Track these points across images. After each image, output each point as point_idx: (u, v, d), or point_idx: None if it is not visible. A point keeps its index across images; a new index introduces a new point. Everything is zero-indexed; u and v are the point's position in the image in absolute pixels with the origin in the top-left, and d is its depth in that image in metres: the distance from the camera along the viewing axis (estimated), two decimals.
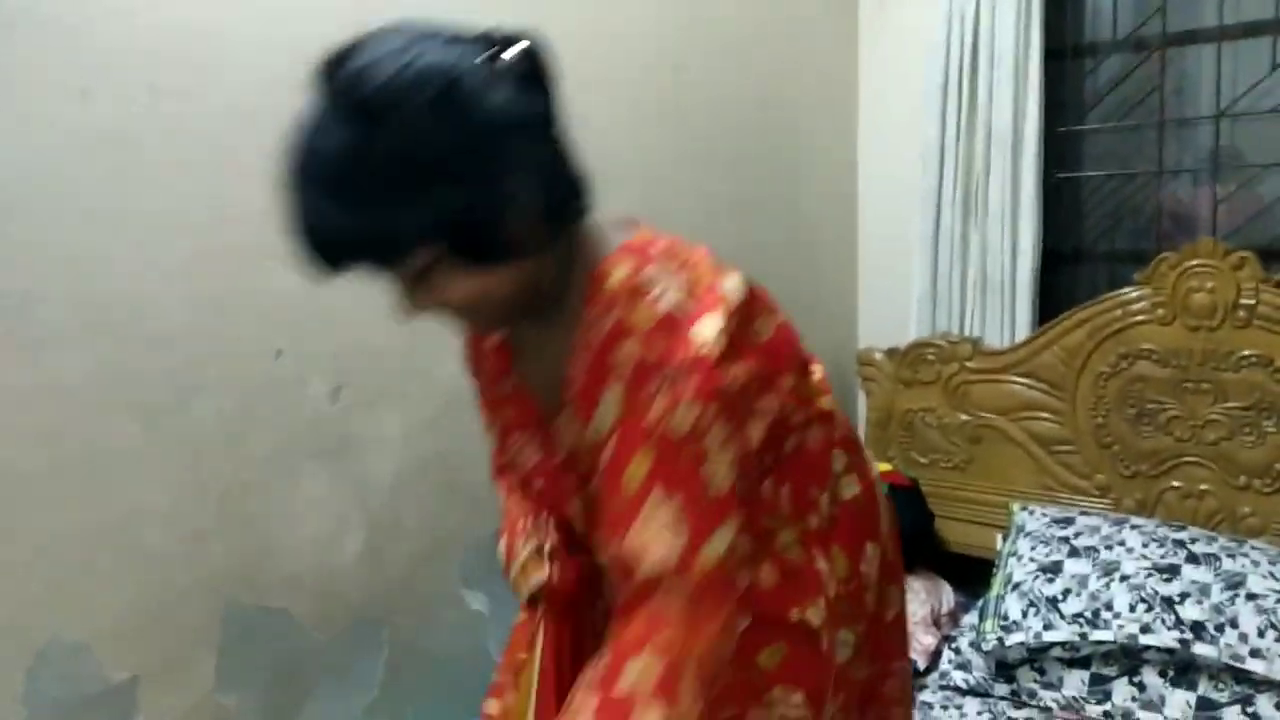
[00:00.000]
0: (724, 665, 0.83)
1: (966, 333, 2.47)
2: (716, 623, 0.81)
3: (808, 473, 1.02)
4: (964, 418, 2.41)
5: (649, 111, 2.06)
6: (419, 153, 0.76)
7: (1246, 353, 2.06)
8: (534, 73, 0.84)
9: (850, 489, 1.08)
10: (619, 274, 0.88)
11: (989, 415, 2.38)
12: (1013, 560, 2.02)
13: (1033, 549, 2.01)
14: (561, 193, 0.87)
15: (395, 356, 1.63)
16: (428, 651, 1.69)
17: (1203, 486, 2.15)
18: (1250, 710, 1.65)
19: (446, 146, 0.77)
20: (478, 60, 0.79)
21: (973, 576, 2.27)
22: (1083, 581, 1.86)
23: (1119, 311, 2.20)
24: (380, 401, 1.62)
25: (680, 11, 2.13)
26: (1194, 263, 2.10)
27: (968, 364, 2.40)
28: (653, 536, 0.81)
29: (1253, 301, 2.04)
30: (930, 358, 2.45)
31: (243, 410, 1.48)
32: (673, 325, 0.84)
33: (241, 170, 1.36)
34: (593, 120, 1.87)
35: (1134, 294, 2.19)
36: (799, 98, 2.50)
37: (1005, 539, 2.13)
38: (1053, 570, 1.91)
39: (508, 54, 0.81)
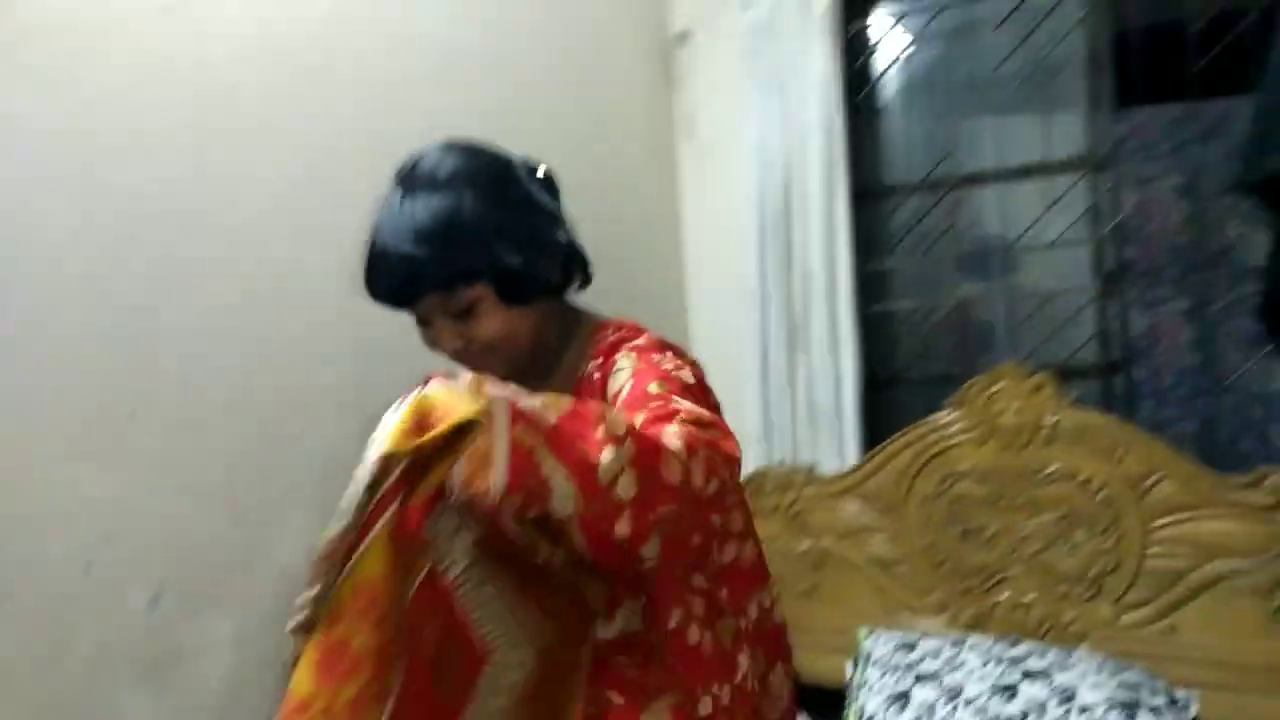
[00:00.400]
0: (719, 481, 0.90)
1: (800, 460, 2.55)
2: (731, 442, 0.93)
3: (746, 578, 1.14)
4: (805, 544, 2.48)
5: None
6: (487, 215, 1.05)
7: (1053, 468, 2.22)
8: (552, 185, 1.18)
9: (775, 605, 1.19)
10: (613, 332, 1.14)
11: (828, 540, 2.45)
12: (863, 691, 2.06)
13: (881, 676, 2.06)
14: (572, 265, 1.16)
15: (219, 550, 1.52)
16: None
17: (1028, 598, 2.27)
18: None
19: (505, 213, 1.07)
20: (519, 163, 1.13)
21: (824, 706, 2.30)
22: (930, 709, 1.91)
23: (936, 435, 2.34)
24: (205, 606, 1.50)
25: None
26: (999, 386, 2.27)
27: (805, 491, 2.48)
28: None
29: (1055, 419, 2.21)
30: (769, 487, 2.51)
31: (53, 628, 1.35)
32: (668, 345, 1.12)
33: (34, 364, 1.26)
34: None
35: (949, 417, 2.33)
36: (623, 247, 2.53)
37: (855, 667, 2.17)
38: (902, 699, 1.96)
39: (538, 169, 1.16)
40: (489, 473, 0.78)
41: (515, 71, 2.24)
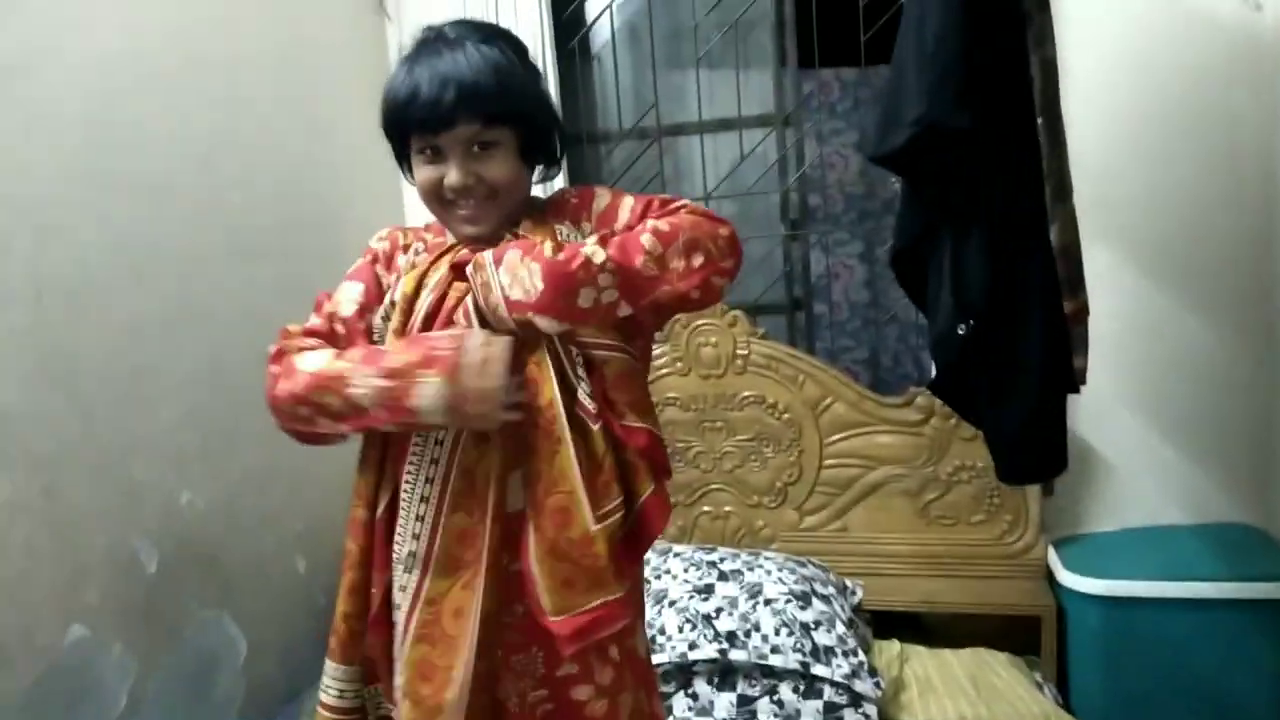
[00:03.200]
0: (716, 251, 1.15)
1: None
2: (726, 226, 1.18)
3: None
4: None
5: (182, 208, 1.97)
6: (527, 73, 1.22)
7: (746, 394, 2.48)
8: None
9: None
10: (572, 195, 1.27)
11: None
12: None
13: None
14: (561, 141, 1.28)
15: None
16: None
17: (727, 508, 2.54)
18: (776, 698, 1.99)
19: (535, 78, 1.24)
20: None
21: None
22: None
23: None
24: None
25: (211, 112, 2.07)
26: (700, 321, 2.49)
27: None
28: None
29: (746, 352, 2.47)
30: None
31: None
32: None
33: None
34: (121, 217, 1.79)
35: (656, 350, 2.53)
36: (331, 190, 2.50)
37: None
38: None
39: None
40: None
41: (227, 8, 2.13)
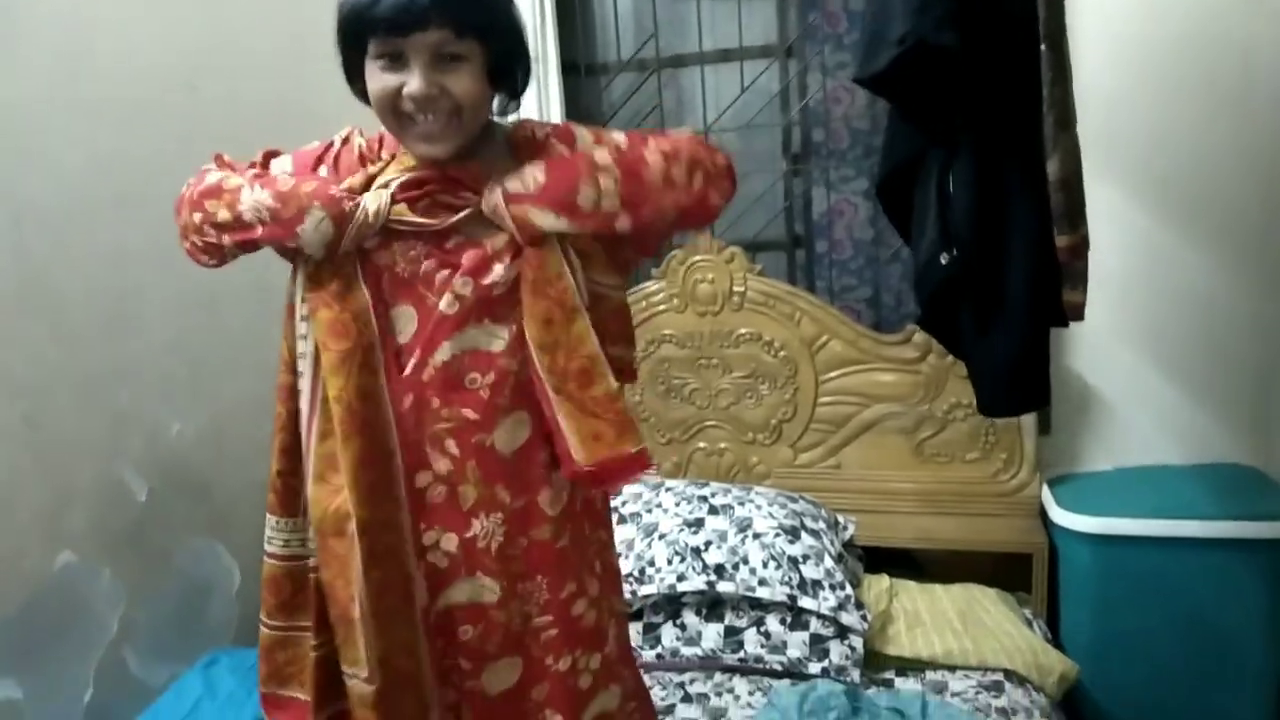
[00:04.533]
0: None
1: None
2: (723, 155, 1.21)
3: None
4: None
5: (166, 131, 1.94)
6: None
7: (743, 331, 2.46)
8: None
9: None
10: (536, 130, 1.19)
11: None
12: None
13: None
14: (525, 76, 1.23)
15: None
16: None
17: (722, 445, 2.54)
18: (763, 629, 2.00)
19: (511, 6, 1.19)
20: None
21: None
22: (630, 545, 2.12)
23: (643, 303, 2.51)
24: None
25: (192, 33, 2.03)
26: (697, 258, 2.46)
27: None
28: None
29: (743, 289, 2.44)
30: None
31: None
32: None
33: None
34: (103, 141, 1.77)
35: (653, 286, 2.51)
36: (321, 113, 2.45)
37: None
38: None
39: None
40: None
41: None
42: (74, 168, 1.73)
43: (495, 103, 1.21)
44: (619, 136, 1.19)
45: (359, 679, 1.16)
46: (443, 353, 1.14)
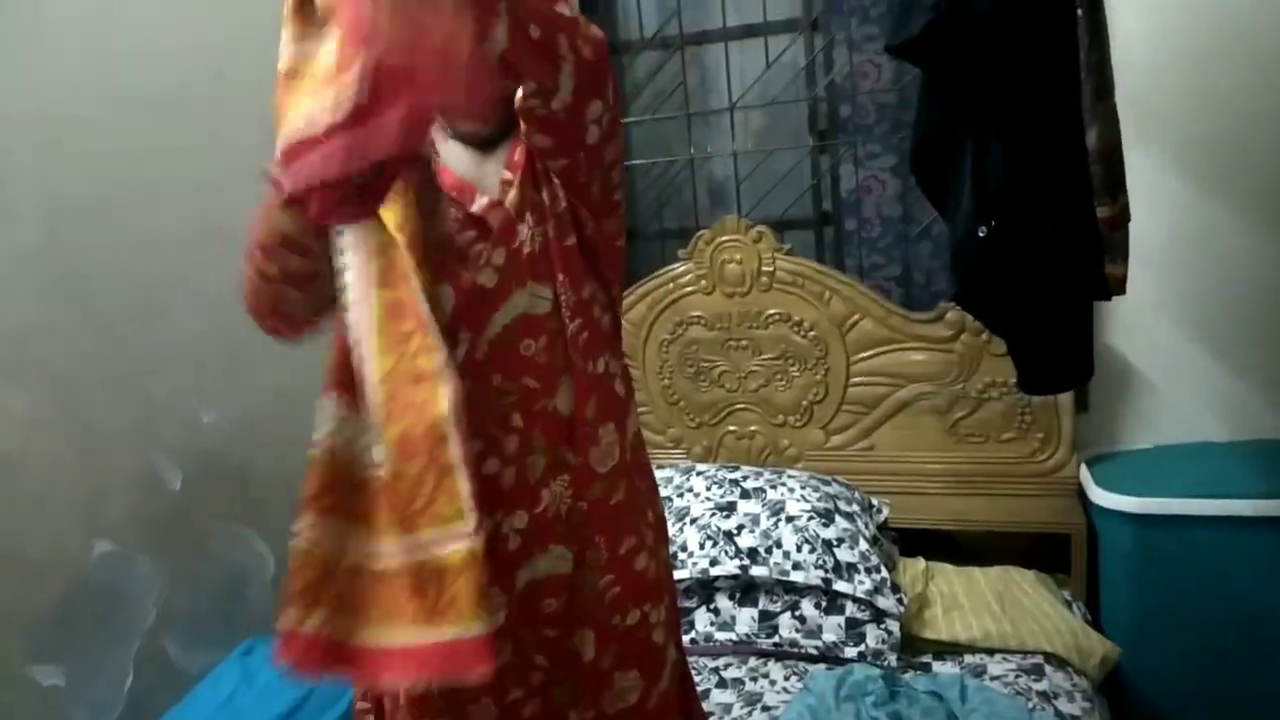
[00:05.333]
0: None
1: None
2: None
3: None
4: None
5: (196, 123, 1.94)
6: None
7: (771, 311, 2.43)
8: None
9: None
10: None
11: None
12: None
13: None
14: None
15: None
16: None
17: (752, 428, 2.52)
18: (798, 614, 1.98)
19: None
20: None
21: None
22: None
23: (670, 285, 2.49)
24: None
25: (221, 24, 2.02)
26: (724, 238, 2.43)
27: None
28: None
29: (771, 269, 2.41)
30: None
31: None
32: None
33: None
34: (133, 132, 1.77)
35: (681, 268, 2.48)
36: None
37: None
38: None
39: None
40: None
41: None
42: (105, 159, 1.73)
43: None
44: None
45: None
46: (493, 327, 1.11)
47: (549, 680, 1.16)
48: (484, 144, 1.15)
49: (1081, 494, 2.23)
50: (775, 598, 2.01)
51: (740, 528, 2.06)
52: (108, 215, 1.73)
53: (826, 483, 2.23)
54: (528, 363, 1.12)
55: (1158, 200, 2.07)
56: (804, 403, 2.45)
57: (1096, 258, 1.40)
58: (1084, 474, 2.21)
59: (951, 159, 1.41)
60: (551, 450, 1.13)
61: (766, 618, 2.00)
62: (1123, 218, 1.53)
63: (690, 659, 1.96)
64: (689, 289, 2.48)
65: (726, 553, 2.02)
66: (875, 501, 2.29)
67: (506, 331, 1.11)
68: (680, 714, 1.27)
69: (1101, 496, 2.08)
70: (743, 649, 2.01)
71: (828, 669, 1.85)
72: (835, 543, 2.00)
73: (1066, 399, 2.25)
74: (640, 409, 2.53)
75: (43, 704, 1.57)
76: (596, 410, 1.15)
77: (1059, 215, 1.35)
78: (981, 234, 1.33)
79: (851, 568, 1.96)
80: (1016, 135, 1.37)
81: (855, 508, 2.16)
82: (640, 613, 1.20)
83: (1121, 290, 1.55)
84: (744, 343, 2.46)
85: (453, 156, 1.15)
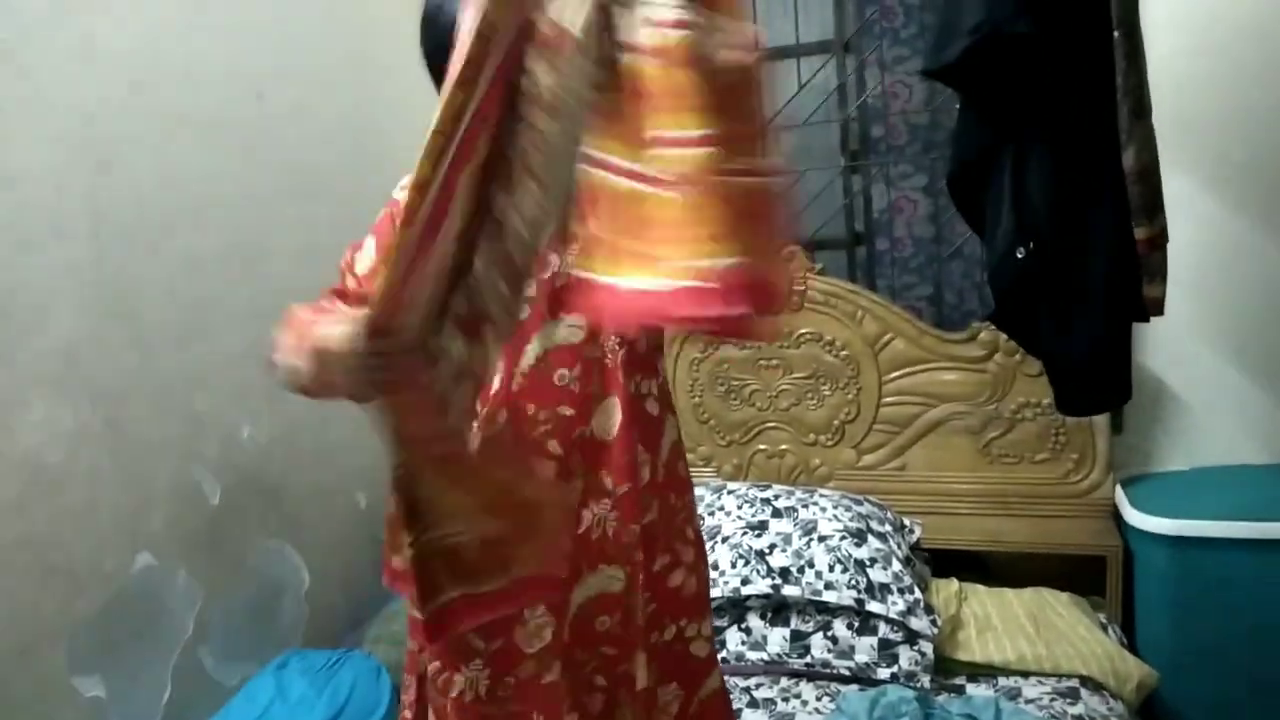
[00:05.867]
0: None
1: None
2: None
3: None
4: None
5: (237, 144, 1.98)
6: None
7: (803, 331, 2.44)
8: None
9: None
10: None
11: None
12: None
13: None
14: None
15: None
16: None
17: (783, 446, 2.51)
18: (830, 634, 1.97)
19: None
20: None
21: None
22: None
23: None
24: None
25: (261, 46, 2.07)
26: None
27: None
28: None
29: (803, 288, 2.41)
30: None
31: None
32: None
33: None
34: (176, 153, 1.80)
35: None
36: (389, 124, 2.49)
37: None
38: None
39: None
40: None
41: None
42: (148, 178, 1.77)
43: None
44: None
45: None
46: (527, 359, 1.13)
47: (611, 701, 1.18)
48: None
49: (1117, 516, 2.21)
50: (807, 618, 2.00)
51: (772, 547, 2.06)
52: (151, 233, 1.77)
53: (859, 502, 2.22)
54: (562, 392, 1.13)
55: (1195, 221, 2.06)
56: (835, 422, 2.45)
57: (1135, 278, 1.39)
58: (1119, 495, 2.19)
59: (990, 180, 1.41)
60: (592, 473, 1.14)
61: (798, 638, 1.99)
62: (1161, 239, 1.53)
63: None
64: None
65: (758, 571, 2.02)
66: (908, 522, 2.28)
67: (540, 362, 1.13)
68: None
69: (1137, 518, 2.06)
70: (774, 669, 2.00)
71: (860, 690, 1.84)
72: (868, 563, 1.99)
73: (1102, 420, 2.23)
74: None
75: (84, 714, 1.59)
76: (635, 438, 1.17)
77: (1098, 236, 1.35)
78: (1020, 255, 1.33)
79: (884, 588, 1.95)
80: (1055, 156, 1.37)
81: (888, 528, 2.15)
82: (676, 628, 1.21)
83: (1159, 311, 1.55)
84: (775, 362, 2.47)
85: None
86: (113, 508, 1.66)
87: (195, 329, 1.85)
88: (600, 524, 1.15)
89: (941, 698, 1.83)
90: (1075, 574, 2.20)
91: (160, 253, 1.78)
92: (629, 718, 1.18)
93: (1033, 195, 1.34)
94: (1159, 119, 1.52)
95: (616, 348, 1.16)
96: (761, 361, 2.47)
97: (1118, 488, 2.22)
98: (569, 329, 1.14)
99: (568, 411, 1.14)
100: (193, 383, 1.84)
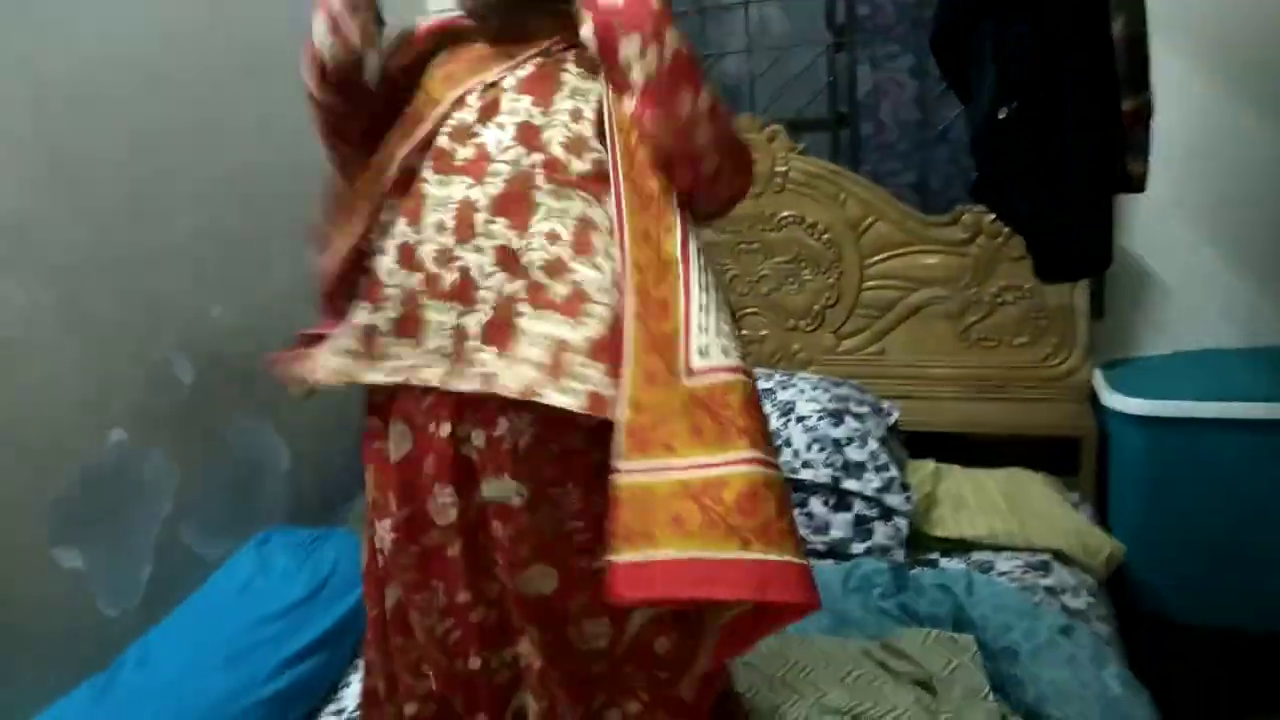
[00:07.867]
0: None
1: None
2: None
3: None
4: None
5: (183, 14, 1.89)
6: None
7: (785, 214, 2.40)
8: None
9: None
10: None
11: None
12: None
13: None
14: None
15: None
16: (16, 629, 1.54)
17: (763, 332, 2.51)
18: (806, 511, 1.99)
19: None
20: None
21: None
22: None
23: None
24: None
25: None
26: None
27: None
28: None
29: (785, 169, 2.37)
30: None
31: None
32: None
33: None
34: (124, 19, 1.70)
35: None
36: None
37: None
38: None
39: None
40: None
41: None
42: (94, 45, 1.68)
43: None
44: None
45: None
46: None
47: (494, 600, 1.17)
48: None
49: (1094, 399, 2.22)
50: None
51: None
52: (98, 105, 1.69)
53: (838, 384, 2.22)
54: None
55: (1179, 97, 2.00)
56: (816, 307, 2.44)
57: (1120, 143, 1.36)
58: (1097, 378, 2.20)
59: (973, 42, 1.36)
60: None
61: None
62: (1145, 112, 1.49)
63: None
64: None
65: None
66: (886, 405, 2.29)
67: None
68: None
69: (1113, 399, 2.08)
70: None
71: (835, 564, 1.87)
72: (845, 442, 2.01)
73: (1082, 304, 2.23)
74: None
75: (67, 586, 1.60)
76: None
77: (1082, 98, 1.31)
78: (1002, 115, 1.30)
79: (860, 466, 1.97)
80: (1040, 16, 1.32)
81: (866, 409, 2.16)
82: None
83: (1141, 187, 1.52)
84: (755, 245, 2.44)
85: None
86: (76, 386, 1.64)
87: (149, 206, 1.80)
88: (515, 435, 1.09)
89: (915, 571, 1.87)
90: (1051, 458, 2.23)
91: (108, 125, 1.71)
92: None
93: (1017, 55, 1.29)
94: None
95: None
96: (742, 246, 2.44)
97: (1096, 371, 2.23)
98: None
99: None
100: (150, 262, 1.80)
